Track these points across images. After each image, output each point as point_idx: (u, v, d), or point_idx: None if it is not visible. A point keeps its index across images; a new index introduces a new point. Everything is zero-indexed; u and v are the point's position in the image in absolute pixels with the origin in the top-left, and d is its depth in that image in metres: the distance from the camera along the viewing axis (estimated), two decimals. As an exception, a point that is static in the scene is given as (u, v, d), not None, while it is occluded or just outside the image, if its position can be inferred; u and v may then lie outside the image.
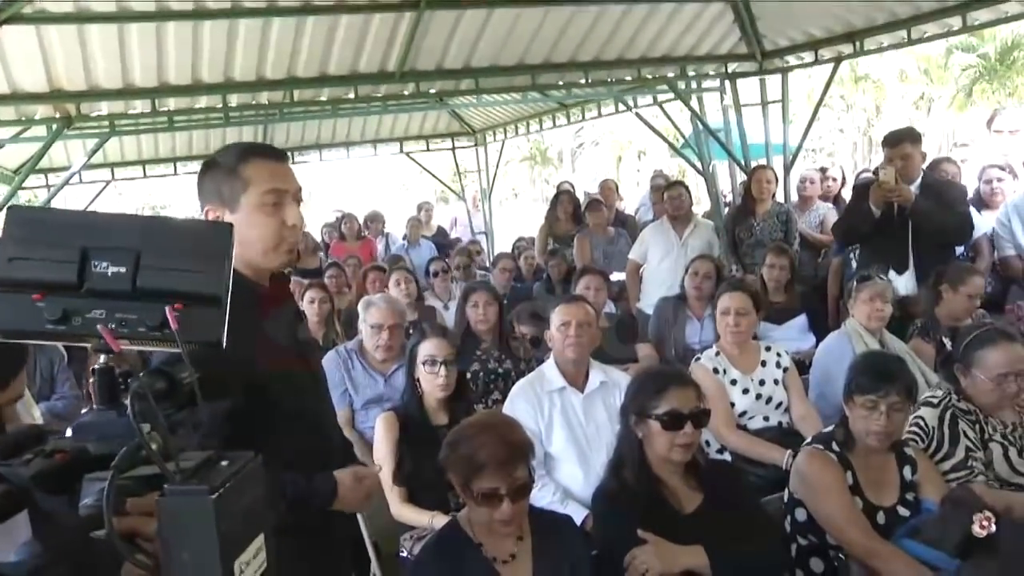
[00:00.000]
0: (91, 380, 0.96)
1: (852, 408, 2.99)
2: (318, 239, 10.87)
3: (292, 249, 2.17)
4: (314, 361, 2.38)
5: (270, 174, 2.09)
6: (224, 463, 0.91)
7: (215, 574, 0.84)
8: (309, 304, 5.85)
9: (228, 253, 1.01)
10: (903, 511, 2.96)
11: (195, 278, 0.96)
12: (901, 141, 5.33)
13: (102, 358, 0.96)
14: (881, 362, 3.16)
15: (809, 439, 3.26)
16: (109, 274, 0.95)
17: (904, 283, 5.20)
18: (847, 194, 7.66)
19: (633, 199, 13.21)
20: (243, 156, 2.09)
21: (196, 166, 2.13)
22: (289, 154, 10.34)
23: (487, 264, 9.84)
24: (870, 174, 7.55)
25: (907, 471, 3.05)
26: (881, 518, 2.93)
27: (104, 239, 0.97)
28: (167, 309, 0.92)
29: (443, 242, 11.27)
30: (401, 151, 13.49)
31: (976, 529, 2.37)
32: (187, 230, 1.03)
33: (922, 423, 3.31)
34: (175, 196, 17.12)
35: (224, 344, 0.98)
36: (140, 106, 7.30)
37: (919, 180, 5.30)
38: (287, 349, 2.17)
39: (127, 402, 0.88)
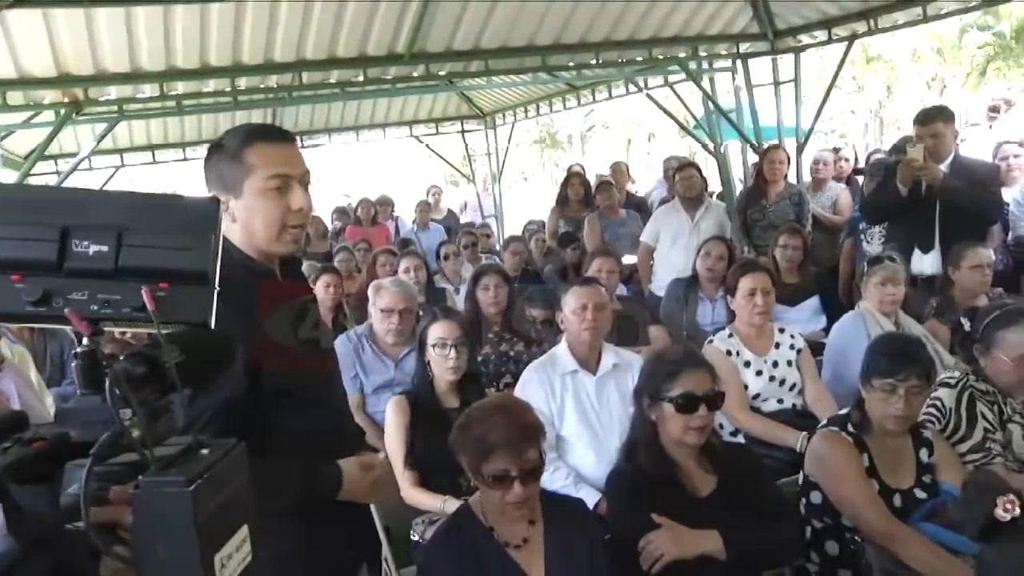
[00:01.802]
0: (74, 364, 0.91)
1: (870, 391, 2.93)
2: (328, 223, 10.82)
3: (298, 235, 2.12)
4: (320, 360, 2.27)
5: (274, 158, 2.03)
6: (205, 451, 0.86)
7: (193, 569, 0.79)
8: (324, 289, 5.82)
9: (215, 229, 0.96)
10: (920, 494, 2.92)
11: (181, 256, 0.91)
12: (933, 119, 5.21)
13: (84, 341, 0.91)
14: (900, 344, 3.09)
15: (824, 421, 3.21)
16: (91, 253, 0.91)
17: (930, 263, 5.13)
18: (861, 175, 7.59)
19: (643, 182, 13.12)
20: (246, 140, 2.03)
21: (205, 151, 2.08)
22: (298, 138, 10.31)
23: (497, 247, 9.78)
24: (882, 154, 7.50)
25: (924, 453, 3.00)
26: (898, 501, 2.88)
27: (85, 216, 0.92)
28: (144, 289, 0.87)
29: (453, 225, 11.21)
30: (411, 134, 13.44)
31: (1000, 512, 2.31)
32: (172, 206, 0.98)
33: (939, 404, 3.25)
34: (185, 181, 17.10)
35: (212, 325, 0.93)
36: (148, 90, 7.25)
37: (950, 159, 5.19)
38: (290, 350, 2.10)
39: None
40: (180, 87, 7.42)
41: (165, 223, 0.93)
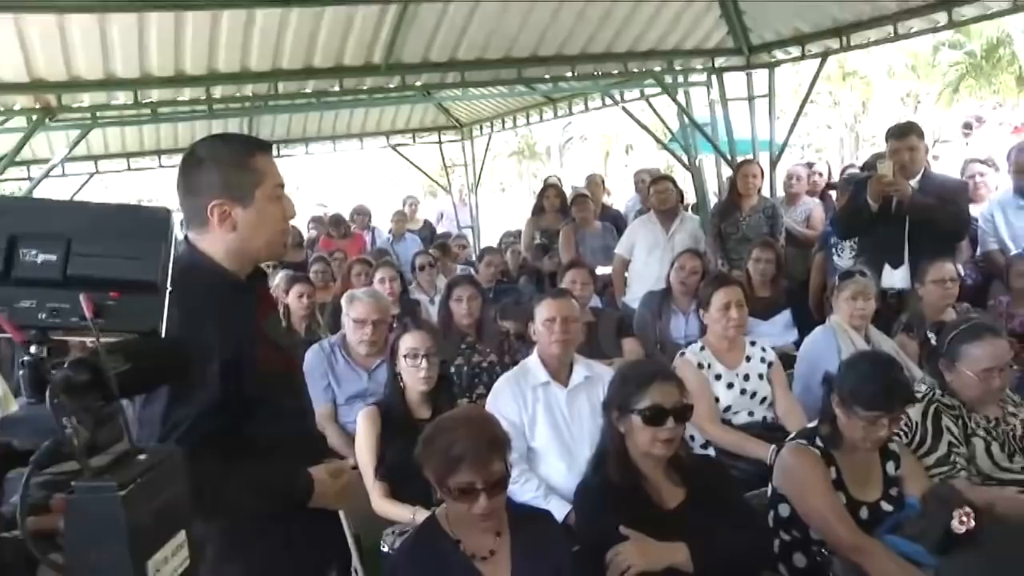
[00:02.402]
0: (20, 372, 0.91)
1: (851, 417, 2.87)
2: (304, 233, 10.80)
3: (287, 241, 2.30)
4: (298, 361, 2.56)
5: (274, 168, 2.14)
6: (142, 457, 0.86)
7: (125, 574, 0.79)
8: (297, 299, 5.82)
9: (166, 238, 0.96)
10: (887, 506, 2.93)
11: (130, 265, 0.91)
12: (908, 133, 5.27)
13: (33, 348, 0.91)
14: (889, 374, 2.98)
15: (793, 434, 3.22)
16: (39, 262, 0.91)
17: (899, 277, 5.17)
18: (833, 190, 7.67)
19: (620, 194, 13.18)
20: (251, 149, 2.11)
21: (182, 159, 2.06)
22: (274, 147, 10.31)
23: (473, 258, 9.79)
24: (856, 170, 7.58)
25: (890, 466, 3.01)
26: (864, 513, 2.90)
27: (33, 225, 0.92)
28: (83, 297, 0.87)
29: (429, 236, 11.21)
30: (388, 144, 13.43)
31: (956, 525, 2.34)
32: (122, 215, 0.98)
33: (906, 418, 3.27)
34: (161, 189, 16.99)
35: (163, 333, 0.94)
36: (123, 97, 7.22)
37: (920, 175, 5.24)
38: (284, 349, 2.27)
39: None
40: (155, 95, 7.40)
41: (115, 232, 0.93)
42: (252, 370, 2.01)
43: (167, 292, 0.95)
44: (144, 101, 7.33)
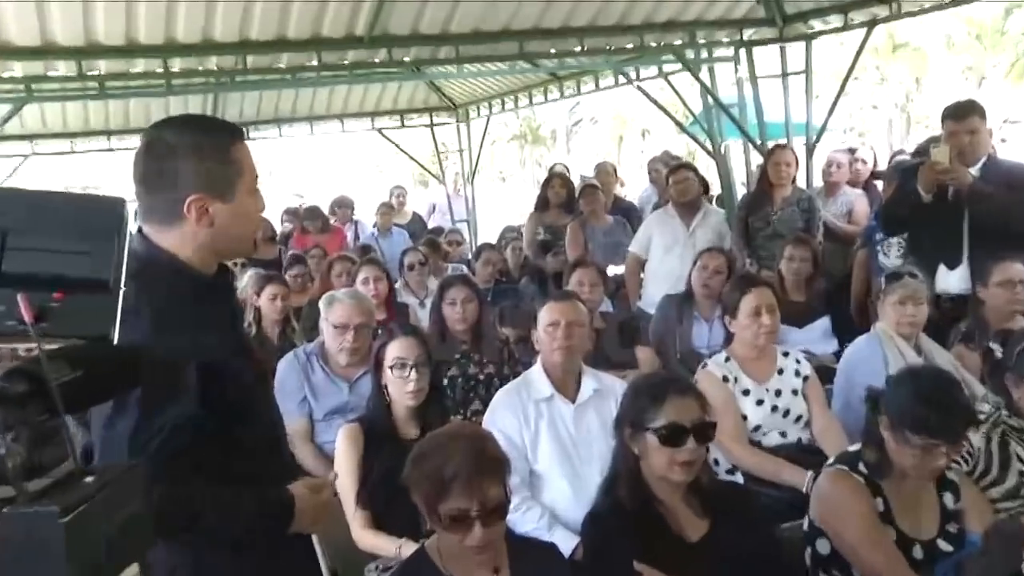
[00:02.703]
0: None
1: (901, 443, 2.81)
2: (277, 226, 10.80)
3: None
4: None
5: (250, 157, 2.15)
6: (89, 479, 0.85)
7: None
8: (269, 301, 5.81)
9: (120, 231, 0.95)
10: (944, 545, 2.88)
11: (77, 261, 0.90)
12: (969, 114, 5.18)
13: (-36, 357, 0.91)
14: (946, 394, 2.91)
15: (832, 459, 3.20)
16: None
17: (956, 280, 5.12)
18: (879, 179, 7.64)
19: (634, 184, 13.20)
20: (230, 137, 2.12)
21: (135, 141, 2.03)
22: (244, 129, 10.30)
23: (468, 256, 9.79)
24: (906, 156, 7.56)
25: (948, 498, 2.95)
26: (918, 552, 2.85)
27: None
28: (20, 297, 0.86)
29: (418, 231, 11.22)
30: (373, 127, 13.44)
31: (1028, 568, 2.31)
32: (67, 205, 0.97)
33: (967, 444, 3.23)
34: (109, 175, 16.98)
35: (115, 338, 0.93)
36: (63, 68, 7.18)
37: (982, 161, 5.16)
38: (264, 351, 2.39)
39: None
40: (102, 66, 7.37)
41: (59, 224, 0.92)
42: (247, 371, 2.09)
43: (120, 292, 0.94)
44: (89, 73, 7.29)
